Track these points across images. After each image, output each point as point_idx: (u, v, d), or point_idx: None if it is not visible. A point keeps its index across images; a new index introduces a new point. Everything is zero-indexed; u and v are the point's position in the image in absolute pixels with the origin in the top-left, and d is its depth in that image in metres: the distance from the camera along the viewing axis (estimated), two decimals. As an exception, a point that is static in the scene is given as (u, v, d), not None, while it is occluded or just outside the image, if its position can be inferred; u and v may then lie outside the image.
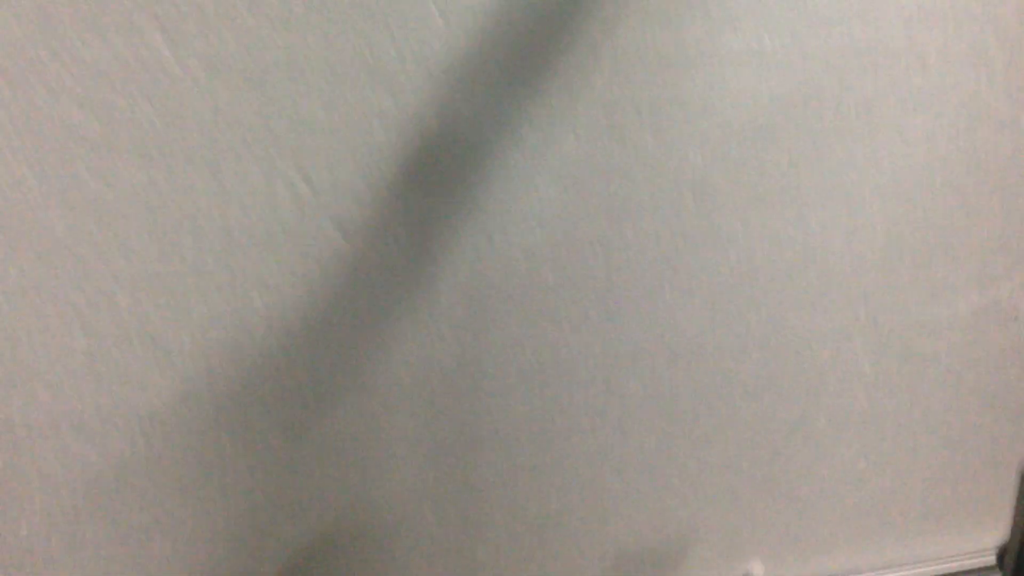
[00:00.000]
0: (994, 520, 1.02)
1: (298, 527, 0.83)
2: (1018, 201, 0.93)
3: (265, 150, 0.73)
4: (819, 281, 0.90)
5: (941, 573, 1.02)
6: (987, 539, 1.02)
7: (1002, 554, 0.51)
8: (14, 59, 0.67)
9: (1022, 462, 0.51)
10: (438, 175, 0.78)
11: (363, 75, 0.74)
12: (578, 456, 0.89)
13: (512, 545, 0.89)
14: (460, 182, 0.78)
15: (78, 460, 0.76)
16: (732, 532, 0.96)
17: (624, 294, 0.85)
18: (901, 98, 0.87)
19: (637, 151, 0.81)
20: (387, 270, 0.79)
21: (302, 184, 0.75)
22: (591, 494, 0.90)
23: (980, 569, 1.02)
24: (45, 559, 0.76)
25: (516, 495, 0.88)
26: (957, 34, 0.86)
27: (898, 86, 0.86)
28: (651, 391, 0.89)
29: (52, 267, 0.72)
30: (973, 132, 0.90)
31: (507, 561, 0.90)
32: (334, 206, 0.76)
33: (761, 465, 0.94)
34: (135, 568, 0.79)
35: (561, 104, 0.78)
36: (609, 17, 0.77)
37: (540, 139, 0.79)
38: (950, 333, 0.96)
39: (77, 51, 0.68)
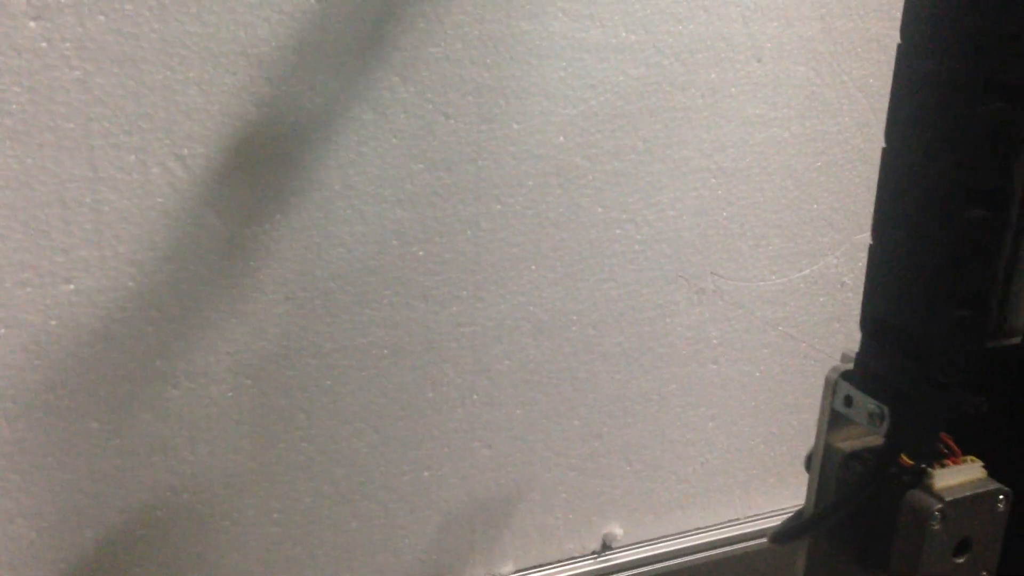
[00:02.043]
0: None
1: (170, 510, 0.86)
2: (844, 181, 1.06)
3: (140, 134, 0.76)
4: (671, 256, 1.00)
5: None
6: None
7: (808, 460, 0.60)
8: None
9: (829, 375, 0.59)
10: (313, 158, 0.82)
11: (240, 60, 0.77)
12: (448, 428, 0.95)
13: (384, 516, 0.95)
14: (335, 165, 0.83)
15: (-59, 450, 0.76)
16: (593, 496, 1.05)
17: (491, 271, 0.92)
18: (741, 87, 0.97)
19: (504, 135, 0.88)
20: (262, 251, 0.83)
21: (177, 167, 0.78)
22: (461, 465, 0.97)
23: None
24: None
25: (389, 468, 0.94)
26: (790, 29, 0.97)
27: (739, 76, 0.97)
28: (517, 364, 0.96)
29: (-87, 252, 0.72)
30: (804, 118, 1.02)
31: (380, 531, 0.95)
32: (210, 189, 0.79)
33: (620, 431, 1.04)
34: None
35: (433, 90, 0.84)
36: (478, 9, 0.83)
37: (413, 124, 0.84)
38: (786, 301, 1.08)
39: (-57, 31, 0.69)
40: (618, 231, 0.97)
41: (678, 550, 1.10)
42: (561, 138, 0.91)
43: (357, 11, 0.80)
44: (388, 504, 0.95)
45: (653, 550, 1.09)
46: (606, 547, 1.07)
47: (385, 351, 0.90)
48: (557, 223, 0.94)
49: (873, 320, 0.55)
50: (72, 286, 0.77)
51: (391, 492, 0.94)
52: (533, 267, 0.94)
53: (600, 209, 0.95)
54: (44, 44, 0.72)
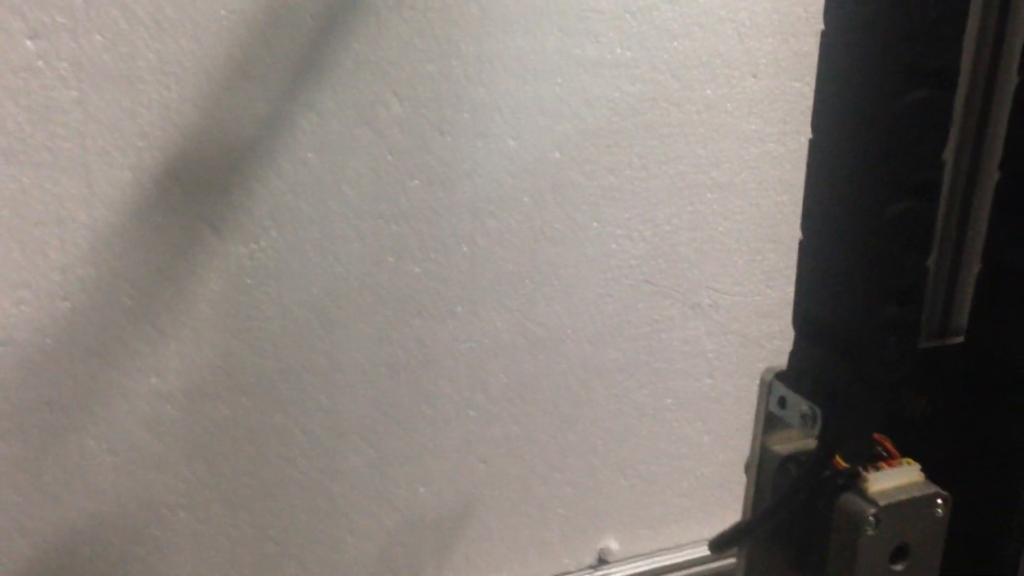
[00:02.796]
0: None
1: (167, 528, 0.86)
2: (839, 196, 1.07)
3: (136, 153, 0.77)
4: (667, 271, 1.00)
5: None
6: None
7: (747, 465, 0.59)
8: None
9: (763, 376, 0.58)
10: (309, 175, 0.83)
11: (236, 78, 0.78)
12: (445, 444, 0.96)
13: (381, 532, 0.95)
14: (331, 183, 0.83)
15: (-64, 468, 0.77)
16: (590, 510, 1.05)
17: (487, 287, 0.93)
18: (737, 103, 0.98)
19: (500, 151, 0.89)
20: (259, 269, 0.83)
21: (173, 185, 0.78)
22: (458, 480, 0.97)
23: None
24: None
25: (386, 484, 0.94)
26: (785, 45, 0.98)
27: (734, 91, 0.97)
28: (514, 379, 0.97)
29: (-90, 271, 0.73)
30: (799, 133, 1.02)
31: (376, 548, 0.96)
32: (206, 207, 0.80)
33: (616, 446, 1.04)
34: (0, 576, 0.81)
35: (429, 107, 0.85)
36: (474, 27, 0.84)
37: (409, 141, 0.85)
38: (781, 315, 1.08)
39: (-60, 52, 0.69)
40: (614, 246, 0.97)
41: (674, 564, 1.10)
42: (557, 154, 0.92)
43: (352, 30, 0.81)
44: (384, 520, 0.95)
45: (649, 564, 1.09)
46: (602, 561, 1.08)
47: (382, 368, 0.91)
48: (553, 239, 0.94)
49: (804, 318, 0.53)
50: (68, 304, 0.78)
51: (388, 508, 0.95)
52: (529, 283, 0.94)
53: (596, 224, 0.96)
54: (41, 63, 0.73)
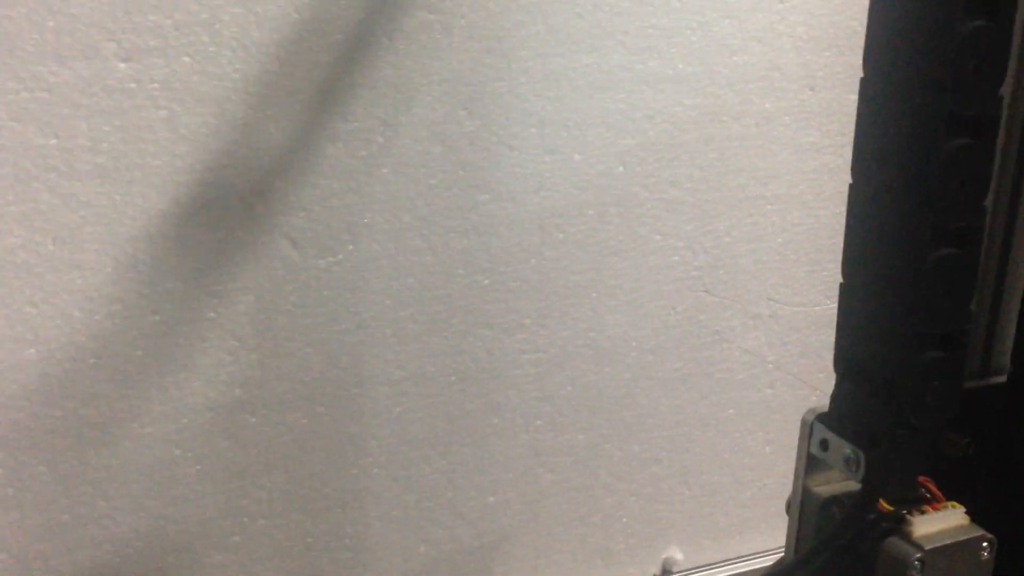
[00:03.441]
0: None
1: (247, 536, 0.88)
2: (896, 206, 1.08)
3: (221, 171, 0.80)
4: (727, 282, 1.02)
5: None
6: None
7: (789, 505, 0.59)
8: (-19, 84, 0.71)
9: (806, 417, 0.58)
10: (384, 190, 0.86)
11: (314, 96, 0.81)
12: (513, 454, 0.98)
13: (451, 541, 0.97)
14: (405, 197, 0.86)
15: (26, 471, 0.80)
16: (653, 520, 1.07)
17: (554, 299, 0.95)
18: (794, 115, 1.00)
19: (566, 166, 0.91)
20: (336, 282, 0.86)
21: (257, 201, 0.82)
22: (525, 490, 0.99)
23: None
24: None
25: (456, 493, 0.96)
26: (841, 57, 1.00)
27: (792, 104, 1.00)
28: (579, 389, 0.99)
29: (7, 284, 0.76)
30: (856, 145, 1.04)
31: (447, 557, 0.98)
32: (286, 221, 0.83)
33: (679, 456, 1.06)
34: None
35: (498, 123, 0.88)
36: (541, 44, 0.87)
37: (480, 156, 0.88)
38: (841, 327, 1.10)
39: (42, 78, 0.73)
40: (675, 258, 1.00)
41: (737, 574, 1.12)
42: (621, 168, 0.94)
43: (426, 49, 0.84)
44: (455, 529, 0.97)
45: (713, 574, 1.11)
46: (666, 571, 1.09)
47: (452, 378, 0.93)
48: (617, 251, 0.96)
49: (846, 361, 0.53)
50: (158, 317, 0.81)
51: (458, 518, 0.97)
52: (594, 295, 0.97)
53: (658, 237, 0.98)
54: (133, 85, 0.76)
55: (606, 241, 0.96)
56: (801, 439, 0.57)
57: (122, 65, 0.75)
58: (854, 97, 1.03)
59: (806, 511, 0.57)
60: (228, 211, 0.81)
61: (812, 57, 0.99)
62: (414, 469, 0.94)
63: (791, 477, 1.13)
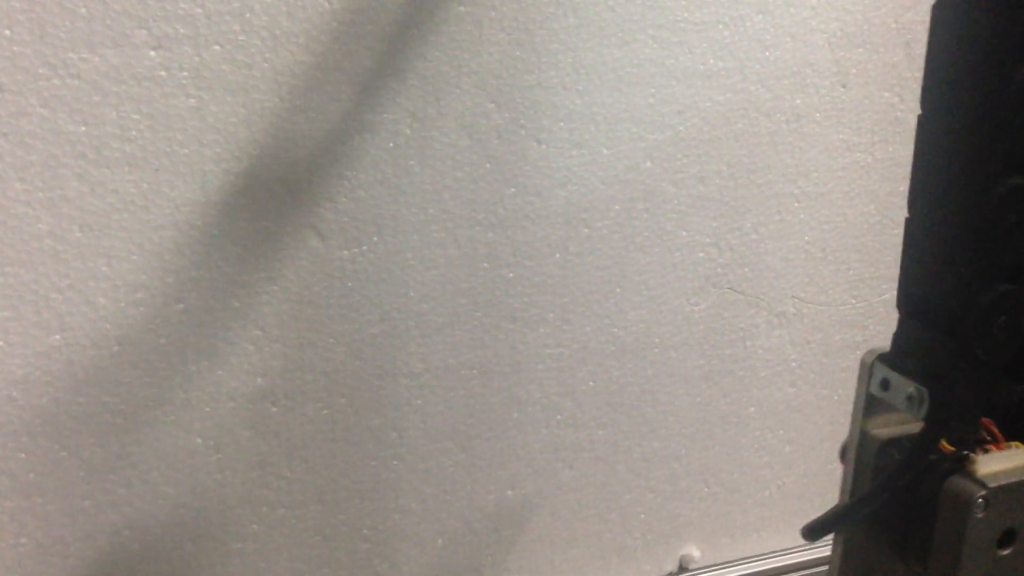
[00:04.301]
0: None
1: (266, 525, 0.89)
2: (925, 206, 1.08)
3: (249, 160, 0.80)
4: (752, 280, 1.02)
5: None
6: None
7: (843, 450, 0.57)
8: (11, 73, 0.72)
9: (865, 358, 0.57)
10: (411, 182, 0.86)
11: (344, 87, 0.81)
12: (533, 448, 0.99)
13: (469, 534, 0.98)
14: (431, 190, 0.87)
15: (48, 457, 0.81)
16: (672, 517, 1.08)
17: (578, 293, 0.95)
18: (825, 112, 1.00)
19: (594, 160, 0.91)
20: (360, 273, 0.86)
21: (283, 191, 0.82)
22: (544, 485, 1.00)
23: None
24: None
25: (475, 486, 0.97)
26: (875, 55, 1.00)
27: (823, 101, 0.99)
28: (600, 385, 0.99)
29: (34, 270, 0.77)
30: (887, 144, 1.04)
31: (464, 550, 0.99)
32: (312, 212, 0.83)
33: (698, 453, 1.06)
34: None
35: (527, 116, 0.88)
36: (571, 37, 0.87)
37: (507, 149, 0.88)
38: (866, 325, 1.10)
39: (73, 64, 0.73)
40: (701, 254, 1.00)
41: (754, 573, 1.12)
42: (648, 163, 0.94)
43: (456, 41, 0.84)
44: (473, 523, 0.98)
45: (730, 572, 1.11)
46: (683, 569, 1.10)
47: (474, 371, 0.94)
48: (642, 247, 0.97)
49: (910, 298, 0.53)
50: (182, 306, 0.82)
51: (476, 511, 0.98)
52: (618, 290, 0.97)
53: (684, 233, 0.98)
54: (163, 73, 0.77)
55: (632, 237, 0.96)
56: (860, 380, 0.55)
57: (152, 53, 0.76)
58: (887, 95, 1.03)
59: (863, 455, 0.56)
60: (255, 201, 0.82)
61: (845, 54, 0.99)
62: (433, 462, 0.94)
63: (810, 477, 1.13)
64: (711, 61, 0.93)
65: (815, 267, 1.05)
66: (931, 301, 0.51)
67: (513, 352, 0.95)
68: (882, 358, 0.54)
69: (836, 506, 0.57)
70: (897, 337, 0.54)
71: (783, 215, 1.02)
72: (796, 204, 1.02)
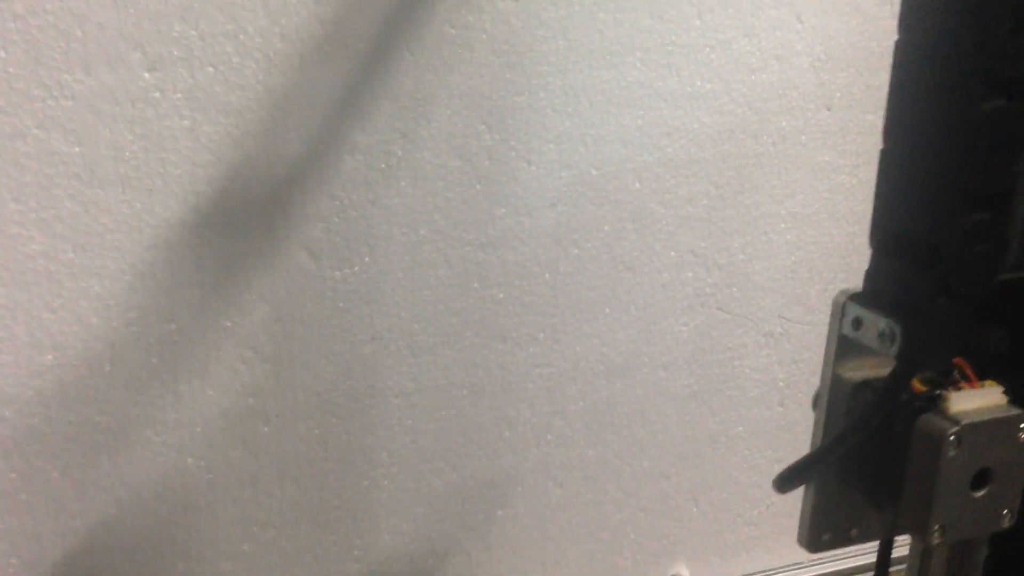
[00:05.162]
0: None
1: (257, 544, 0.89)
2: (909, 227, 1.09)
3: (242, 181, 0.81)
4: (740, 299, 1.03)
5: (845, 568, 1.17)
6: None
7: (816, 397, 0.56)
8: (7, 94, 0.72)
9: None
10: (402, 203, 0.87)
11: (336, 109, 0.82)
12: (523, 468, 0.99)
13: (461, 554, 0.98)
14: (422, 210, 0.87)
15: (40, 476, 0.81)
16: (661, 536, 1.08)
17: (568, 313, 0.96)
18: (811, 135, 1.01)
19: (583, 181, 0.92)
20: (352, 293, 0.87)
21: (276, 212, 0.83)
22: (535, 504, 1.00)
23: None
24: None
25: (465, 506, 0.97)
26: (859, 78, 1.01)
27: (809, 123, 1.01)
28: (590, 404, 1.00)
29: (27, 289, 0.77)
30: (870, 165, 1.05)
31: (456, 569, 0.99)
32: (305, 232, 0.84)
33: (688, 472, 1.07)
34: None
35: (517, 138, 0.89)
36: (561, 60, 0.88)
37: (497, 170, 0.89)
38: (852, 346, 1.11)
39: (68, 86, 0.74)
40: (690, 274, 1.01)
41: (744, 592, 1.13)
42: (637, 184, 0.95)
43: (446, 62, 0.85)
44: (464, 542, 0.98)
45: (719, 592, 1.12)
46: (673, 588, 1.10)
47: (464, 391, 0.94)
48: (631, 267, 0.97)
49: (884, 232, 0.51)
50: (174, 325, 0.82)
51: (468, 531, 0.98)
52: (608, 310, 0.98)
53: (673, 253, 0.99)
54: (157, 94, 0.77)
55: (621, 256, 0.97)
56: (832, 320, 0.54)
57: (147, 74, 0.76)
58: (871, 117, 1.04)
59: (835, 399, 0.55)
60: (247, 221, 0.82)
61: (829, 77, 1.00)
62: (424, 481, 0.94)
63: (796, 496, 1.13)
64: (698, 83, 0.95)
65: (801, 287, 1.06)
66: (906, 233, 0.50)
67: (504, 371, 0.95)
68: (853, 297, 0.53)
69: (806, 454, 0.55)
70: (869, 275, 0.53)
71: (769, 235, 1.03)
72: (782, 225, 1.03)
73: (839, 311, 0.54)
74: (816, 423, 0.56)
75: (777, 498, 1.13)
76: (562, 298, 0.95)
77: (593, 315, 0.97)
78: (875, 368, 0.54)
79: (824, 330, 1.08)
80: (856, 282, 1.09)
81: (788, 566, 1.15)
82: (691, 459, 1.07)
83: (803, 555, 1.17)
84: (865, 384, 0.53)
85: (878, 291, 0.52)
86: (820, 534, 0.56)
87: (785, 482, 0.54)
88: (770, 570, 1.14)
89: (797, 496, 1.15)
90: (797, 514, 1.16)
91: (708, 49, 0.94)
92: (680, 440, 1.06)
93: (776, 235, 1.03)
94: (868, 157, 1.05)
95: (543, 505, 1.01)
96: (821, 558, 1.17)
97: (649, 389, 1.02)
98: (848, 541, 0.57)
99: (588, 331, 0.98)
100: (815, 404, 0.56)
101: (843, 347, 0.54)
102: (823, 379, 0.56)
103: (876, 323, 0.51)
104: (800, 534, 0.57)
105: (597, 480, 1.03)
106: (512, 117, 0.89)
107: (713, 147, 0.97)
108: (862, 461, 0.53)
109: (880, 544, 0.58)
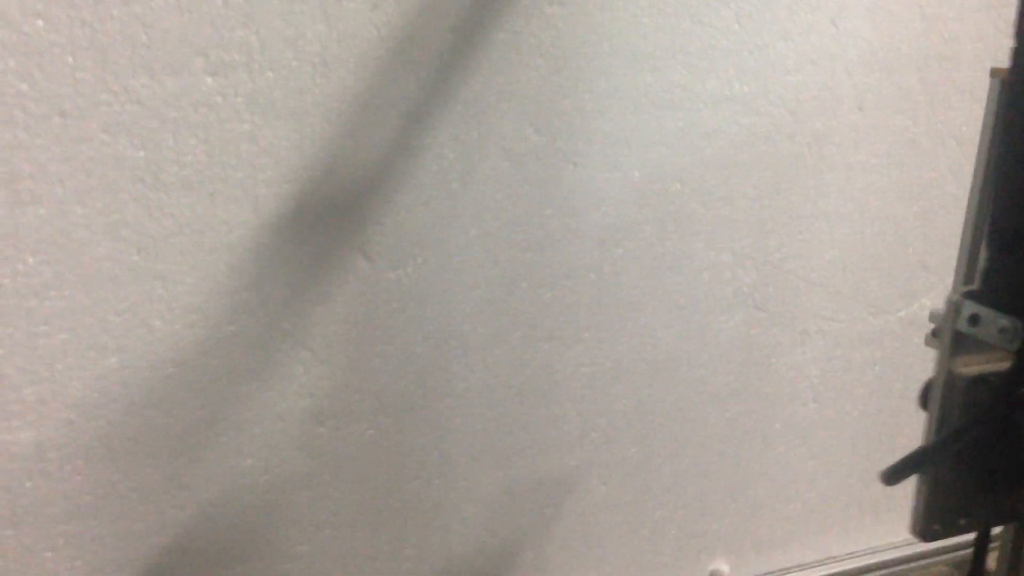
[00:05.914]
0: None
1: (314, 545, 0.90)
2: (938, 226, 1.11)
3: (300, 183, 0.82)
4: (776, 298, 1.05)
5: (879, 561, 1.18)
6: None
7: (924, 393, 0.57)
8: (74, 100, 0.73)
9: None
10: (454, 205, 0.87)
11: (390, 113, 0.83)
12: (568, 466, 1.00)
13: (508, 553, 0.99)
14: (473, 212, 0.88)
15: (103, 479, 0.81)
16: (701, 532, 1.09)
17: (612, 313, 0.97)
18: (845, 135, 1.03)
19: (627, 183, 0.94)
20: (405, 294, 0.88)
21: (330, 214, 0.83)
22: (579, 502, 1.01)
23: (912, 556, 1.19)
24: None
25: (513, 505, 0.98)
26: (890, 79, 1.03)
27: (842, 124, 1.02)
28: (633, 403, 1.01)
29: (92, 293, 0.77)
30: (901, 165, 1.07)
31: (504, 568, 0.99)
32: (359, 234, 0.85)
33: (726, 469, 1.08)
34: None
35: (564, 140, 0.90)
36: (606, 64, 0.89)
37: (545, 172, 0.90)
38: (882, 342, 1.12)
39: (134, 91, 0.75)
40: (728, 274, 1.02)
41: (781, 588, 1.14)
42: (678, 185, 0.96)
43: (496, 67, 0.86)
44: (511, 541, 0.99)
45: (757, 588, 1.13)
46: (712, 585, 1.11)
47: (512, 391, 0.95)
48: (672, 267, 0.99)
49: (1001, 233, 0.53)
50: (233, 328, 0.82)
51: (515, 529, 0.98)
52: (650, 309, 0.99)
53: (712, 253, 1.00)
54: (219, 99, 0.78)
55: (663, 256, 0.98)
56: (946, 319, 0.55)
57: (209, 80, 0.77)
58: (900, 118, 1.06)
59: (950, 394, 0.56)
60: (305, 224, 0.83)
61: (862, 78, 1.02)
62: (474, 481, 0.95)
63: (832, 492, 1.15)
64: (736, 86, 0.96)
65: (835, 286, 1.08)
66: None
67: (550, 371, 0.96)
68: (969, 295, 0.54)
69: (920, 447, 0.56)
70: (986, 274, 0.54)
71: (804, 235, 1.04)
72: (817, 224, 1.05)
73: (954, 309, 0.55)
74: (928, 420, 0.57)
75: (811, 494, 1.14)
76: (606, 298, 0.96)
77: (636, 315, 0.98)
78: (988, 364, 0.55)
79: (856, 329, 1.10)
80: (888, 281, 1.10)
81: (822, 560, 1.16)
82: (729, 456, 1.08)
83: (837, 548, 1.18)
84: (981, 379, 0.55)
85: (997, 288, 0.53)
86: (932, 524, 0.58)
87: (895, 474, 0.55)
88: (806, 564, 1.15)
89: (829, 493, 1.16)
90: (830, 511, 1.18)
91: (746, 53, 0.95)
92: (719, 438, 1.07)
93: (811, 235, 1.05)
94: (898, 158, 1.07)
95: (588, 503, 1.01)
96: (852, 554, 1.18)
97: (689, 387, 1.03)
98: (958, 530, 0.58)
99: (631, 330, 0.99)
100: (922, 400, 0.57)
101: (957, 344, 0.55)
102: (937, 374, 0.57)
103: (996, 320, 0.53)
104: (914, 524, 0.58)
105: (639, 478, 1.03)
106: (558, 120, 0.90)
107: (751, 148, 0.99)
108: (979, 452, 0.54)
109: (978, 534, 0.59)
